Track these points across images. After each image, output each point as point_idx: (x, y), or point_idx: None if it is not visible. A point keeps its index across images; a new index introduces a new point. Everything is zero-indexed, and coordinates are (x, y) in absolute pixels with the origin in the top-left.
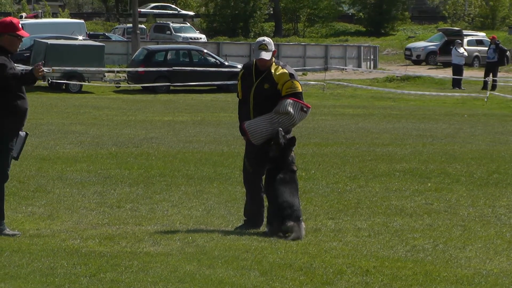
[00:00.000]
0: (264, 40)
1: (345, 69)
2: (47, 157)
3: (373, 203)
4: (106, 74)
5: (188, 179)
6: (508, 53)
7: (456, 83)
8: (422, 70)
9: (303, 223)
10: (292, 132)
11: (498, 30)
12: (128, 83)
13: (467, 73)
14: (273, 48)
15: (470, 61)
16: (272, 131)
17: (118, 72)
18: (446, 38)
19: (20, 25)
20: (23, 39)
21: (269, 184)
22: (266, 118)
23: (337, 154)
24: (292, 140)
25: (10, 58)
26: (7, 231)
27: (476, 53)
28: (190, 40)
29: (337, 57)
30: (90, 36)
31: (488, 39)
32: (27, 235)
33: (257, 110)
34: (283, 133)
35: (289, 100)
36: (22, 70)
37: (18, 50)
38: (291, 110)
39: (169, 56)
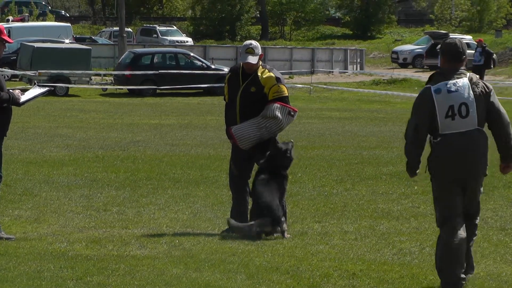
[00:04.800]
0: (251, 44)
1: (332, 72)
2: (33, 160)
3: (359, 206)
4: (93, 77)
5: (174, 183)
6: (494, 56)
7: None
8: (408, 73)
9: (285, 225)
10: (278, 136)
11: (485, 34)
12: (114, 86)
13: None
14: (260, 52)
15: None
16: (261, 136)
17: (104, 75)
18: (432, 41)
19: (4, 30)
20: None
21: (254, 186)
22: (253, 122)
23: (323, 157)
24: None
25: None
26: (2, 234)
27: None
28: (177, 43)
29: (324, 60)
30: (77, 39)
31: (475, 42)
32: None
33: (244, 113)
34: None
35: (276, 105)
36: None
37: (2, 55)
38: (279, 115)
39: (155, 60)
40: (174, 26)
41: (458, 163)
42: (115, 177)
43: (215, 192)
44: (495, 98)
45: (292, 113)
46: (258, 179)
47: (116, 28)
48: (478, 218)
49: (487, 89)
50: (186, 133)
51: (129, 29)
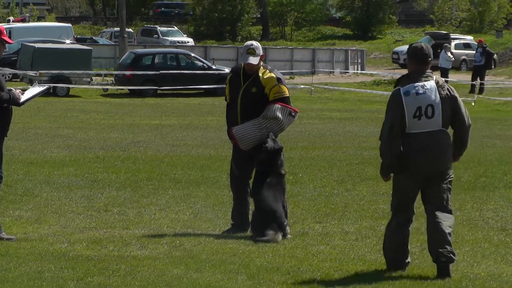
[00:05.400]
0: (252, 45)
1: (333, 72)
2: (34, 161)
3: (360, 207)
4: (94, 78)
5: (175, 183)
6: (495, 56)
7: None
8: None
9: (287, 228)
10: (279, 137)
11: (485, 34)
12: (115, 87)
13: (455, 77)
14: (261, 52)
15: (458, 65)
16: (261, 136)
17: (105, 75)
18: (433, 42)
19: (4, 31)
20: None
21: (255, 188)
22: (254, 123)
23: (324, 158)
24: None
25: None
26: (3, 234)
27: (464, 57)
28: (178, 43)
29: (325, 60)
30: (78, 40)
31: (476, 43)
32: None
33: (245, 114)
34: (273, 137)
35: (277, 105)
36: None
37: (2, 55)
38: (280, 115)
39: (156, 60)
40: (175, 27)
41: (423, 161)
42: (115, 178)
43: (216, 192)
44: (459, 101)
45: (293, 114)
46: (260, 181)
47: (117, 29)
48: (449, 209)
49: (452, 92)
50: (187, 134)
51: (130, 30)
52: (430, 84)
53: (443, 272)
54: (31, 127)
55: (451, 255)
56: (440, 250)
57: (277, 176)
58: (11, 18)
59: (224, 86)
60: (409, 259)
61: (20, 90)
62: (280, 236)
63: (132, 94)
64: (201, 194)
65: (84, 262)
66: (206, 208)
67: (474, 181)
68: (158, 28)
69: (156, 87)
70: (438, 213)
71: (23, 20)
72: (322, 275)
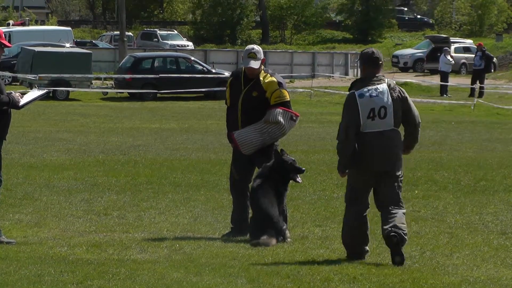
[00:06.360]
0: (253, 49)
1: (332, 76)
2: (34, 164)
3: None
4: (93, 81)
5: (175, 187)
6: (494, 60)
7: (443, 90)
8: (409, 77)
9: (287, 232)
10: (279, 141)
11: (485, 37)
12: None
13: (454, 80)
14: (262, 56)
15: (458, 68)
16: (263, 141)
17: (105, 79)
18: (433, 45)
19: (3, 34)
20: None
21: (252, 193)
22: (255, 128)
23: (324, 162)
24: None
25: None
26: (3, 238)
27: (464, 60)
28: (177, 47)
29: (324, 64)
30: (77, 44)
31: (475, 46)
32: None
33: (245, 117)
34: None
35: (279, 110)
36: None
37: (1, 59)
38: (281, 120)
39: (156, 64)
40: (175, 30)
41: (376, 158)
42: (115, 181)
43: (216, 196)
44: (410, 102)
45: (294, 118)
46: (258, 187)
47: (117, 32)
48: (401, 205)
49: (403, 94)
50: (187, 137)
51: (130, 33)
52: (382, 87)
53: (395, 253)
54: (30, 131)
55: (403, 234)
56: (393, 229)
57: (280, 183)
58: (11, 21)
59: (224, 89)
60: (367, 248)
61: (19, 94)
62: (273, 241)
63: (132, 97)
64: (201, 197)
65: (84, 265)
66: (205, 212)
67: (474, 184)
68: (158, 31)
69: (156, 91)
70: (392, 208)
71: (22, 24)
72: (321, 279)
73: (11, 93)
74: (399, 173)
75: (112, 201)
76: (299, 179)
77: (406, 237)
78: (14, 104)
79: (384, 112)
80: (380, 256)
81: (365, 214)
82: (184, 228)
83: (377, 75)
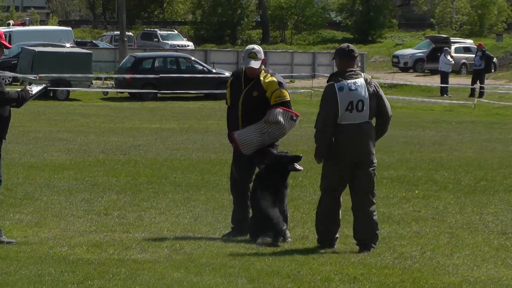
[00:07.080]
0: (253, 49)
1: None
2: (34, 164)
3: None
4: (94, 81)
5: (175, 187)
6: (494, 60)
7: (443, 90)
8: (409, 78)
9: (288, 232)
10: (280, 141)
11: (486, 37)
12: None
13: (454, 81)
14: (262, 56)
15: (458, 68)
16: (263, 141)
17: (105, 79)
18: (433, 45)
19: (3, 35)
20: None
21: (253, 193)
22: (256, 128)
23: None
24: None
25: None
26: (3, 238)
27: (464, 60)
28: (178, 47)
29: (325, 64)
30: (78, 44)
31: (476, 46)
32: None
33: (245, 117)
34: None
35: (279, 110)
36: (19, 91)
37: (1, 59)
38: (282, 120)
39: (156, 64)
40: (175, 30)
41: (352, 149)
42: (116, 181)
43: (216, 196)
44: (383, 96)
45: (295, 118)
46: (258, 187)
47: (117, 32)
48: (374, 194)
49: (378, 89)
50: (187, 137)
51: (130, 33)
52: (360, 81)
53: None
54: (31, 131)
55: (374, 239)
56: (365, 234)
57: (279, 183)
58: (11, 21)
59: (225, 89)
60: (338, 235)
61: (29, 87)
62: (274, 241)
63: (132, 97)
64: (201, 197)
65: (84, 265)
66: (206, 212)
67: (474, 184)
68: (158, 31)
69: (156, 91)
70: (364, 200)
71: (23, 24)
72: (322, 279)
73: (26, 87)
74: (373, 162)
75: (112, 201)
76: (298, 166)
77: (376, 238)
78: (23, 99)
79: (361, 106)
80: (381, 256)
81: (339, 201)
82: (184, 228)
83: (353, 68)
